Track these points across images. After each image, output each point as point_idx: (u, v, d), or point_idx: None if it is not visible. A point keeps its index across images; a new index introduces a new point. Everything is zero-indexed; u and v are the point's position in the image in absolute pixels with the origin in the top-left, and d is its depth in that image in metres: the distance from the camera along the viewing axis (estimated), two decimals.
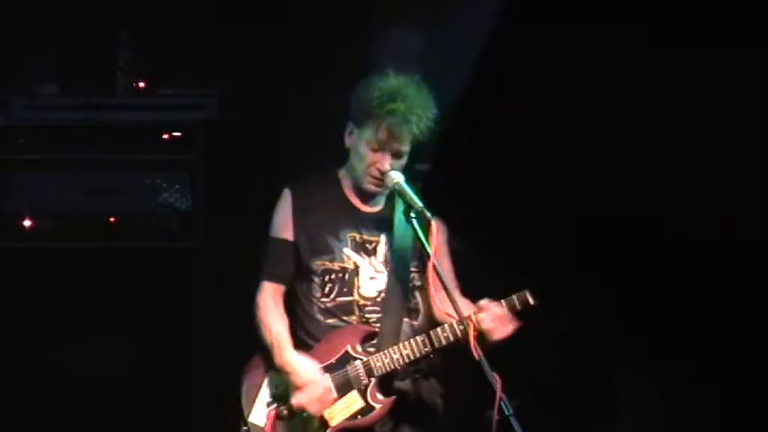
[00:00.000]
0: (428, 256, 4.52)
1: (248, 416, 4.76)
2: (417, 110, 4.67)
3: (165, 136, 6.24)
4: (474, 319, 4.58)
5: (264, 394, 4.75)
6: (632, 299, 5.79)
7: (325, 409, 4.65)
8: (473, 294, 4.79)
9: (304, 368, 4.67)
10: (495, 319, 4.60)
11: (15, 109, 6.28)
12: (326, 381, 4.67)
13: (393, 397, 4.70)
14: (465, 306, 4.70)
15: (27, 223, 6.26)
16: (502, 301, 4.65)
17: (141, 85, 6.30)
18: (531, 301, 4.65)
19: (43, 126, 6.27)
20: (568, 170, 5.84)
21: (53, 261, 6.23)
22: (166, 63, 6.24)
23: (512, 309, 4.65)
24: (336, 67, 5.22)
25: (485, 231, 5.58)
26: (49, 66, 6.31)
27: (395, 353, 4.66)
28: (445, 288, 4.50)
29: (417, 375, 4.77)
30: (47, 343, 6.16)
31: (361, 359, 4.69)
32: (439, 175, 5.57)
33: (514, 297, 4.65)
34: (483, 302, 4.64)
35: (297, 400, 4.66)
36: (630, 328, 5.81)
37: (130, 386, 6.15)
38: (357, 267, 4.77)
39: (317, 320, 4.77)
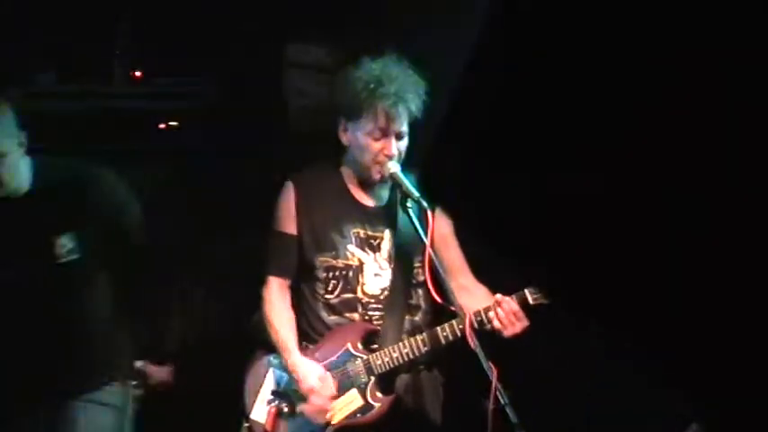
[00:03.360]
0: (424, 246, 4.49)
1: (250, 412, 4.77)
2: (408, 86, 4.64)
3: (162, 125, 6.25)
4: (481, 311, 4.58)
5: (266, 391, 4.75)
6: (637, 295, 5.78)
7: (326, 415, 4.66)
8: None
9: (308, 375, 4.67)
10: (510, 314, 4.56)
11: (12, 98, 6.27)
12: (330, 388, 4.67)
13: (393, 395, 4.70)
14: (481, 294, 4.72)
15: None
16: (514, 296, 4.61)
17: (138, 74, 6.31)
18: (531, 301, 4.62)
19: (40, 115, 6.26)
20: (573, 165, 5.84)
21: None
22: (163, 52, 6.24)
23: (523, 304, 4.61)
24: (336, 53, 5.21)
25: (483, 226, 5.56)
26: (46, 55, 6.31)
27: (394, 351, 4.66)
28: (442, 279, 4.48)
29: (421, 367, 4.77)
30: None
31: (361, 357, 4.69)
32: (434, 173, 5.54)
33: (526, 291, 4.61)
34: (498, 297, 4.60)
35: (301, 408, 4.68)
36: (632, 323, 5.80)
37: None
38: (362, 264, 4.76)
39: (321, 317, 4.76)
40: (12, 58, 6.24)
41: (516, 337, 4.58)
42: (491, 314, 4.56)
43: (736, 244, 5.70)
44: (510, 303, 4.56)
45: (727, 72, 5.60)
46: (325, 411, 4.64)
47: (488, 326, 4.58)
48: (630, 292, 5.77)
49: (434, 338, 4.63)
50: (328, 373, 4.68)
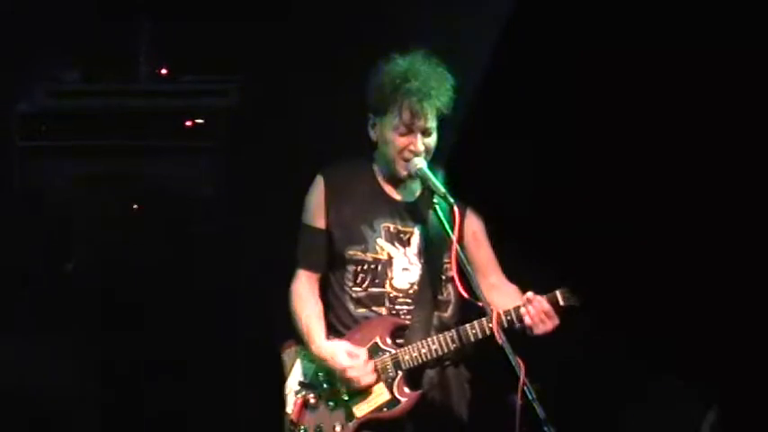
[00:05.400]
0: (451, 241, 4.52)
1: None
2: (433, 83, 4.65)
3: (188, 123, 6.25)
4: (511, 310, 4.59)
5: (293, 381, 4.77)
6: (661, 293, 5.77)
7: (377, 372, 4.68)
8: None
9: (336, 353, 4.68)
10: (540, 312, 4.57)
11: (38, 96, 6.30)
12: (361, 356, 4.68)
13: (419, 391, 4.71)
14: (512, 292, 4.73)
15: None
16: (545, 296, 4.61)
17: (163, 71, 6.32)
18: (562, 302, 4.62)
19: (66, 113, 6.29)
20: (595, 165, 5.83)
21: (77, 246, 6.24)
22: (188, 50, 6.25)
23: (554, 304, 4.61)
24: (357, 53, 5.22)
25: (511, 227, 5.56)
26: (71, 53, 6.32)
27: (423, 347, 4.67)
28: (470, 275, 4.50)
29: (447, 363, 4.78)
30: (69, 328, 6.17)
31: (389, 352, 4.70)
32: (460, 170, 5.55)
33: (557, 292, 4.61)
34: (529, 295, 4.60)
35: (348, 385, 4.68)
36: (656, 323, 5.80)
37: (158, 370, 6.16)
38: (391, 258, 4.77)
39: (348, 309, 4.78)
40: (37, 55, 6.26)
41: (547, 335, 4.58)
42: (522, 311, 4.57)
43: (740, 239, 5.70)
44: (541, 302, 4.57)
45: (727, 72, 5.60)
46: (367, 376, 4.66)
47: (518, 324, 4.59)
48: (646, 287, 5.77)
49: (464, 336, 4.64)
50: (363, 350, 4.69)
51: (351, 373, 4.65)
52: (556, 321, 4.59)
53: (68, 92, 6.34)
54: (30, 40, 6.17)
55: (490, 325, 4.52)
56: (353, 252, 4.76)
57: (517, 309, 4.59)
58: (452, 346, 4.65)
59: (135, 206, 6.28)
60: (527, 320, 4.57)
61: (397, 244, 4.78)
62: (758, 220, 5.64)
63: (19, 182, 6.28)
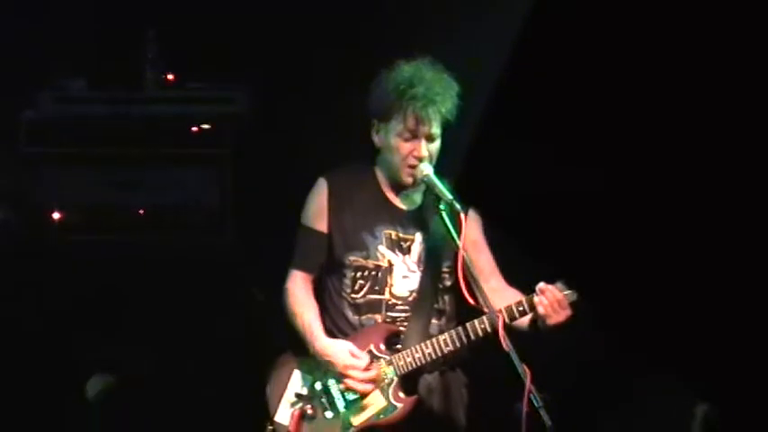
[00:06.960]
0: (457, 248, 4.50)
1: (274, 415, 4.76)
2: (438, 89, 4.65)
3: (194, 129, 6.25)
4: (523, 300, 4.57)
5: (290, 393, 4.75)
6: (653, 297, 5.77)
7: (375, 381, 4.66)
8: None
9: (339, 353, 4.67)
10: (555, 302, 4.54)
11: (45, 103, 6.30)
12: (364, 358, 4.67)
13: (415, 396, 4.70)
14: (513, 296, 4.69)
15: (56, 216, 6.29)
16: (558, 284, 4.57)
17: (170, 78, 6.31)
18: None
19: (72, 120, 6.29)
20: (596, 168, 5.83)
21: (82, 254, 6.24)
22: (195, 56, 6.25)
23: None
24: (366, 60, 5.21)
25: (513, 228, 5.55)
26: (77, 60, 6.33)
27: (417, 351, 4.66)
28: (475, 280, 4.49)
29: (444, 368, 4.77)
30: (74, 335, 6.17)
31: (384, 358, 4.69)
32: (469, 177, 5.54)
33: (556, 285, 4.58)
34: (541, 285, 4.56)
35: (351, 384, 4.67)
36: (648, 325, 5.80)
37: (156, 380, 6.15)
38: (391, 265, 4.76)
39: (346, 316, 4.78)
40: (43, 63, 6.27)
41: (558, 327, 4.56)
42: (536, 299, 4.54)
43: (737, 237, 5.70)
44: (554, 291, 4.54)
45: (727, 71, 5.60)
46: (369, 380, 4.65)
47: (530, 314, 4.55)
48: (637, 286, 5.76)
49: (457, 338, 4.62)
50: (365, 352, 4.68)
51: (352, 373, 4.64)
52: (569, 312, 4.56)
53: (75, 99, 6.34)
54: (36, 46, 6.18)
55: (482, 326, 4.53)
56: (354, 258, 4.75)
57: (530, 298, 4.56)
58: (446, 349, 4.63)
59: (140, 212, 6.28)
60: (540, 310, 4.53)
61: (397, 251, 4.77)
62: (756, 220, 5.64)
63: (25, 189, 6.29)
